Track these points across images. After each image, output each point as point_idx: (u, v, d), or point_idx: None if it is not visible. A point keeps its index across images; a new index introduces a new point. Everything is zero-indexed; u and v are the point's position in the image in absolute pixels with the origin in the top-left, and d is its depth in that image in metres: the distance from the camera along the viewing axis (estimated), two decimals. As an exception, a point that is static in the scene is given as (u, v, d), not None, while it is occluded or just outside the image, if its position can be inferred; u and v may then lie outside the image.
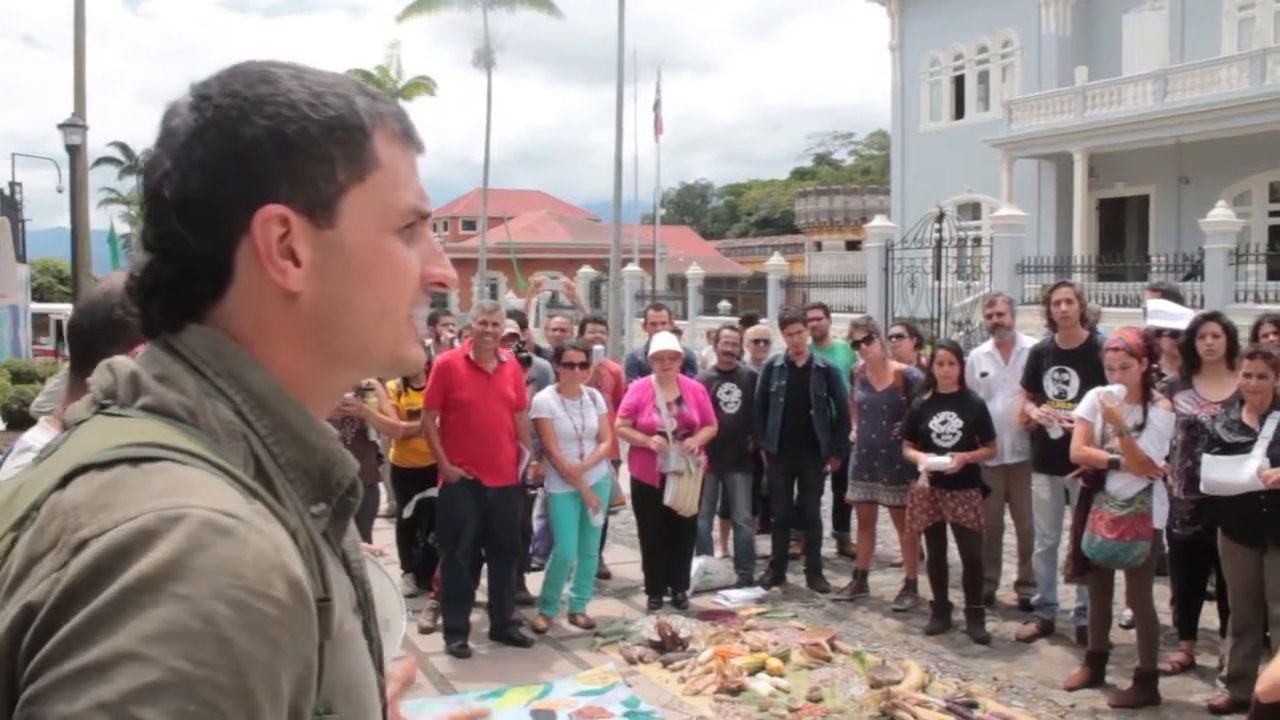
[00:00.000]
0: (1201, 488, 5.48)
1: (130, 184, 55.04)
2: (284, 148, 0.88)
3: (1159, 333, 6.42)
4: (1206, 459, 5.41)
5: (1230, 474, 5.27)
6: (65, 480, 0.78)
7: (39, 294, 27.13)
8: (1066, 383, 6.55)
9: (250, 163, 0.87)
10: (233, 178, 0.87)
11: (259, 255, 0.88)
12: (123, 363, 0.89)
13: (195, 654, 0.68)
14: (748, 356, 8.31)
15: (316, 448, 0.91)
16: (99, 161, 49.38)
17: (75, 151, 18.56)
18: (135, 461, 0.78)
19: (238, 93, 0.88)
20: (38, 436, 2.23)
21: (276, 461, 0.88)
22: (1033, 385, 6.71)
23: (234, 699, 0.69)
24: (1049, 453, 6.53)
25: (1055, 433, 6.43)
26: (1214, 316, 6.10)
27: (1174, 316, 6.63)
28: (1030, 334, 7.58)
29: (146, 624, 0.68)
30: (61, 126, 18.24)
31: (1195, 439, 5.67)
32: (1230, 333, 5.92)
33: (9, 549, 0.77)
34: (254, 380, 0.89)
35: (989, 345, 7.38)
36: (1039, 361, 6.72)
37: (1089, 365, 6.28)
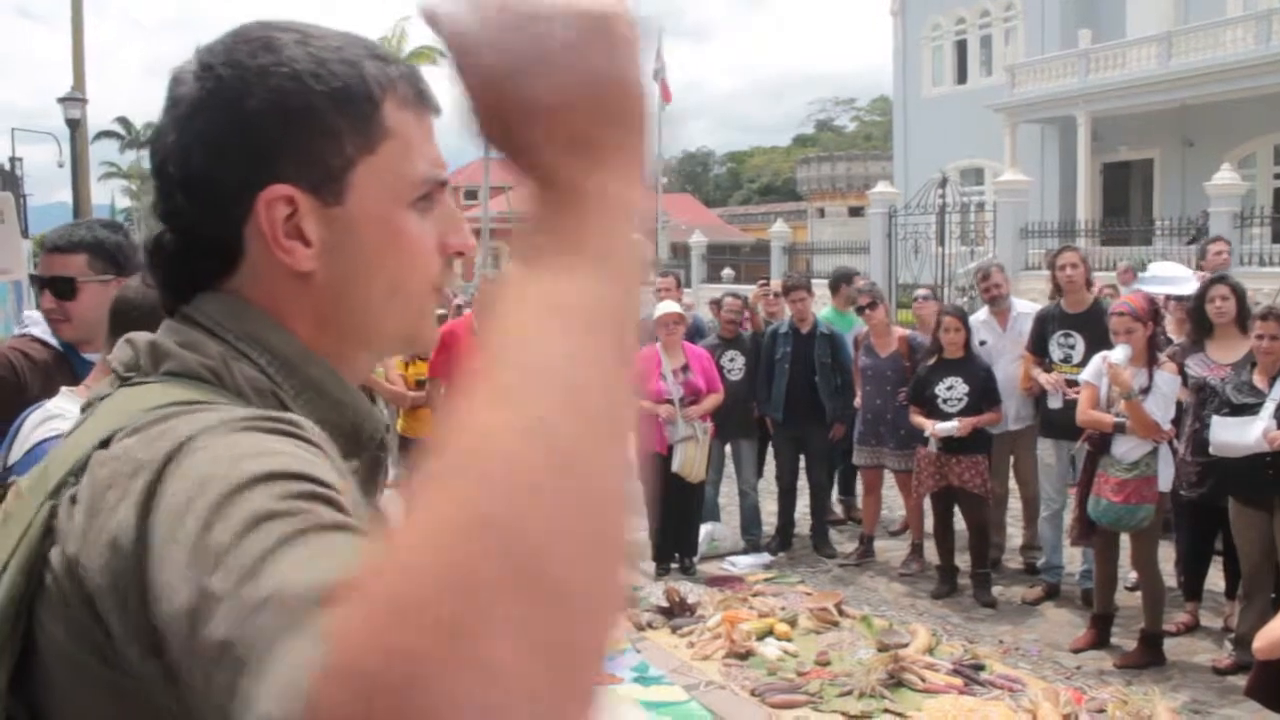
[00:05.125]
0: (1210, 449, 5.49)
1: (132, 158, 54.88)
2: (287, 122, 0.84)
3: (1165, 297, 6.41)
4: (1215, 420, 5.41)
5: (1238, 435, 5.28)
6: (104, 443, 0.76)
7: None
8: (1072, 347, 6.54)
9: (253, 139, 0.84)
10: (236, 154, 0.84)
11: (264, 237, 0.86)
12: (141, 335, 0.88)
13: (273, 462, 0.68)
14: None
15: (345, 403, 0.89)
16: (100, 136, 49.19)
17: (75, 126, 18.43)
18: (175, 415, 0.77)
19: (240, 63, 0.85)
20: (61, 405, 2.18)
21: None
22: (1038, 350, 6.72)
23: (312, 480, 0.69)
24: (1053, 418, 6.54)
25: (1055, 402, 6.45)
26: (1222, 279, 6.09)
27: (1168, 281, 6.56)
28: (1033, 299, 7.54)
29: (228, 449, 0.70)
30: (61, 100, 18.11)
31: (1205, 402, 5.66)
32: (1239, 294, 5.90)
33: (51, 514, 0.75)
34: (276, 342, 0.87)
35: (984, 313, 7.31)
36: (1044, 326, 6.71)
37: (1094, 329, 6.29)
